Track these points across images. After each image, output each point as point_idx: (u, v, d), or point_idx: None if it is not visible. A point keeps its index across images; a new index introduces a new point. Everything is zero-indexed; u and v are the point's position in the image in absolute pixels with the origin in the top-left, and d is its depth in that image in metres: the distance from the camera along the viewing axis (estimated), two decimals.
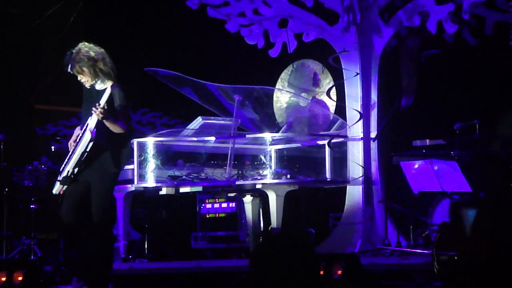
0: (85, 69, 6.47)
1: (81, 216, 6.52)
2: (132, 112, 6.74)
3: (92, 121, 6.39)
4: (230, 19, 9.40)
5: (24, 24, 11.26)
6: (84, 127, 6.51)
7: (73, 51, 6.51)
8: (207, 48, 11.33)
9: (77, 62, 6.49)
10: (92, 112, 6.34)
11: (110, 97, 6.42)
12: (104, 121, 6.34)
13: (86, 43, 6.57)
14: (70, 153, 6.56)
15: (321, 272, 5.91)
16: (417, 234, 8.25)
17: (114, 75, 6.52)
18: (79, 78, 6.54)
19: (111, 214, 6.72)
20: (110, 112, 6.39)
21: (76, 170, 6.46)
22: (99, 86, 6.54)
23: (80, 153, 6.42)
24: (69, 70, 6.54)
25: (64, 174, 6.49)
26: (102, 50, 6.53)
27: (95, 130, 6.35)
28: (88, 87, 6.56)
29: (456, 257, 4.23)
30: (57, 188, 6.61)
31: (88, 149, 6.40)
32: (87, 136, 6.37)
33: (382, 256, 7.97)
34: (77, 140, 6.52)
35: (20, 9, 11.29)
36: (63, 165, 6.64)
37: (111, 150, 6.50)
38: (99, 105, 6.31)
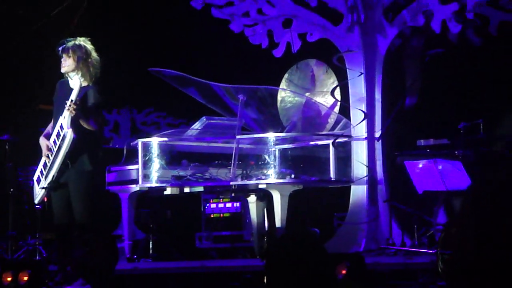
0: (75, 57, 6.58)
1: (73, 216, 6.60)
2: (106, 112, 6.87)
3: (66, 120, 6.44)
4: (234, 19, 9.40)
5: (29, 24, 11.27)
6: (57, 127, 6.55)
7: (78, 38, 6.67)
8: (211, 48, 11.34)
9: (73, 46, 6.61)
10: (65, 109, 6.40)
11: (85, 96, 6.52)
12: (76, 118, 6.41)
13: (90, 42, 6.71)
14: (48, 158, 6.60)
15: (344, 272, 5.92)
16: (422, 234, 8.25)
17: (93, 79, 6.62)
18: (62, 60, 6.65)
19: (97, 213, 6.76)
20: (83, 110, 6.46)
21: (60, 173, 6.53)
22: (73, 82, 6.60)
23: (65, 154, 6.47)
24: (59, 49, 6.66)
25: (49, 179, 6.54)
26: (99, 58, 6.69)
27: (72, 128, 6.42)
28: (62, 71, 6.65)
29: (452, 255, 4.23)
30: (41, 197, 6.68)
31: (71, 149, 6.46)
32: (70, 135, 6.42)
33: (386, 255, 7.97)
34: (56, 142, 6.56)
35: (26, 10, 11.31)
36: (39, 173, 6.68)
37: (86, 149, 6.56)
38: (72, 101, 6.38)
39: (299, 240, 3.27)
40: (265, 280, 3.29)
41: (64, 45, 6.71)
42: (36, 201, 6.82)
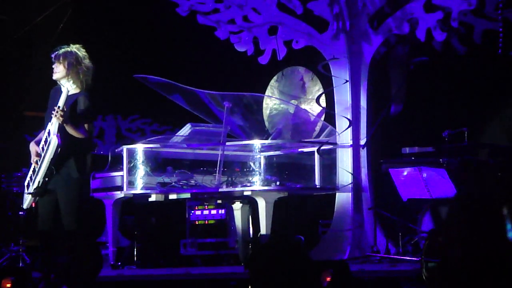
0: (66, 63, 6.61)
1: (58, 224, 6.60)
2: (95, 120, 6.87)
3: (53, 126, 6.45)
4: (220, 26, 9.40)
5: (14, 31, 11.24)
6: (46, 133, 6.57)
7: (72, 45, 6.70)
8: (197, 55, 11.34)
9: (64, 53, 6.65)
10: (52, 115, 6.41)
11: (75, 103, 6.54)
12: (64, 125, 6.42)
13: (84, 50, 6.75)
14: (35, 164, 6.62)
15: (328, 279, 5.92)
16: (406, 241, 8.26)
17: (84, 86, 6.64)
18: (54, 67, 6.69)
19: (84, 220, 6.75)
20: (72, 117, 6.47)
21: (46, 179, 6.52)
22: (64, 89, 6.62)
23: (49, 160, 6.48)
24: (52, 55, 6.70)
25: (35, 185, 6.54)
26: (92, 65, 6.71)
27: (59, 134, 6.43)
28: (54, 78, 6.68)
29: (440, 263, 4.25)
30: (28, 202, 6.68)
31: (56, 155, 6.47)
32: (54, 141, 6.43)
33: (371, 263, 7.98)
34: (43, 148, 6.57)
35: (10, 16, 11.29)
36: (28, 178, 6.69)
37: (74, 156, 6.56)
38: (59, 107, 6.39)
39: (283, 248, 3.27)
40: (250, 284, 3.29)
41: (56, 52, 6.73)
42: (24, 206, 6.80)
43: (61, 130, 6.50)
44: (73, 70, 6.64)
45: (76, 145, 6.57)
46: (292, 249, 3.26)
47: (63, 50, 6.70)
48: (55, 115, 6.42)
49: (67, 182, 6.56)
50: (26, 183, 6.77)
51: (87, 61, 6.73)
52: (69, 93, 6.58)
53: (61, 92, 6.60)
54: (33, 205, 6.68)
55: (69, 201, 6.55)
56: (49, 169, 6.53)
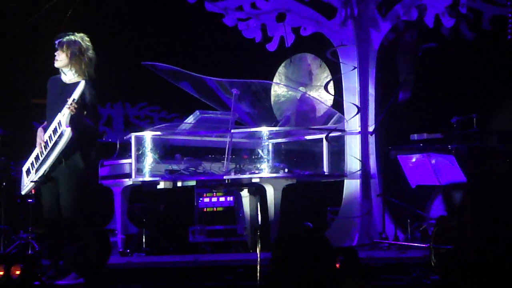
0: (69, 52, 6.58)
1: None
2: (99, 106, 6.87)
3: (65, 117, 6.44)
4: (228, 13, 9.39)
5: (22, 18, 11.24)
6: (55, 124, 6.55)
7: (76, 33, 6.66)
8: (205, 42, 11.32)
9: (68, 41, 6.62)
10: (66, 107, 6.39)
11: (81, 94, 6.52)
12: (74, 116, 6.41)
13: (88, 39, 6.70)
14: (41, 152, 6.61)
15: (337, 266, 5.93)
16: (415, 228, 8.26)
17: (87, 76, 6.62)
18: (56, 54, 6.66)
19: (87, 209, 6.76)
20: (80, 108, 6.46)
21: (52, 168, 6.54)
22: (66, 78, 6.60)
23: (60, 150, 6.48)
24: (56, 42, 6.66)
25: (40, 174, 6.55)
26: (94, 56, 6.67)
27: (70, 126, 6.43)
28: (55, 66, 6.66)
29: (452, 249, 4.25)
30: (28, 189, 6.68)
31: (67, 147, 6.47)
32: (68, 133, 6.42)
33: (379, 249, 7.98)
34: (51, 138, 6.57)
35: (18, 3, 11.28)
36: (30, 165, 6.69)
37: (80, 146, 6.56)
38: (74, 100, 6.38)
39: (306, 234, 3.29)
40: (273, 267, 3.30)
41: (60, 39, 6.70)
42: (23, 193, 6.83)
43: (72, 121, 6.50)
44: (76, 60, 6.61)
45: (83, 135, 6.57)
46: (315, 236, 3.28)
47: (67, 38, 6.67)
48: (69, 107, 6.39)
49: (71, 172, 6.56)
50: (25, 169, 6.76)
51: (90, 52, 6.70)
52: (72, 80, 6.58)
53: (60, 81, 6.60)
54: (33, 192, 6.69)
55: (69, 190, 6.55)
56: (58, 159, 6.54)
